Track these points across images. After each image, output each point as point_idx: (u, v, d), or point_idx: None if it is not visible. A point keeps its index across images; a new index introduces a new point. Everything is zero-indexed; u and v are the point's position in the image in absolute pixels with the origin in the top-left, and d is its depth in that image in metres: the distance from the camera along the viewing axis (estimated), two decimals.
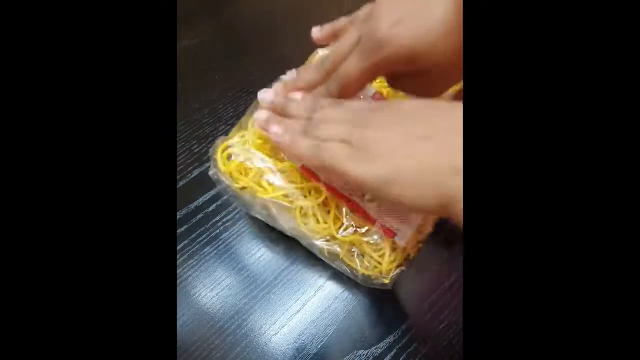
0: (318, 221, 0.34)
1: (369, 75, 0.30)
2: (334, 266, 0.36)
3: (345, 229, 0.33)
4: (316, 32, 0.36)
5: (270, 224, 0.38)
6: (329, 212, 0.34)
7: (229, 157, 0.36)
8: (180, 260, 0.39)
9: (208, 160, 0.45)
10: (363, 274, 0.33)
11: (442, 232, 0.37)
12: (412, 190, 0.24)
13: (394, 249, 0.33)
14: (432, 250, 0.39)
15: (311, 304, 0.37)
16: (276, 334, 0.35)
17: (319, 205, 0.34)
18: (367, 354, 0.34)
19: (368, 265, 0.34)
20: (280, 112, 0.31)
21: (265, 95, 0.32)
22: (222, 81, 0.51)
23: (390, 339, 0.35)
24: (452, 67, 0.28)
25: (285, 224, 0.35)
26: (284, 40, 0.57)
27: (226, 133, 0.47)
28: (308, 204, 0.34)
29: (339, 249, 0.33)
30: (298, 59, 0.47)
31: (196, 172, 0.44)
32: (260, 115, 0.31)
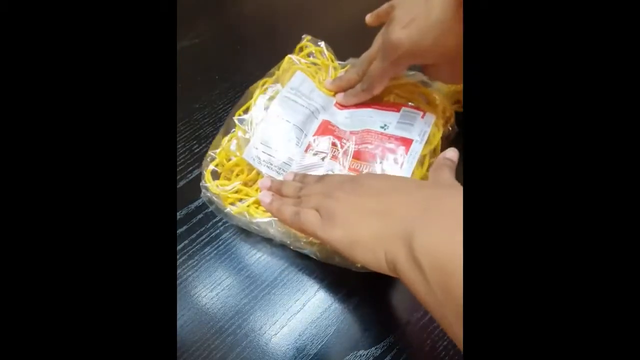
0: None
1: (390, 72, 0.38)
2: (333, 263, 0.36)
3: None
4: (368, 18, 0.43)
5: (266, 237, 0.39)
6: None
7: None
8: (180, 260, 0.39)
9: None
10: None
11: None
12: (369, 254, 0.28)
13: None
14: None
15: (311, 304, 0.37)
16: (276, 334, 0.35)
17: None
18: (367, 354, 0.34)
19: None
20: (277, 192, 0.37)
21: (263, 182, 0.38)
22: (222, 81, 0.51)
23: (390, 339, 0.35)
24: (455, 59, 0.35)
25: (278, 236, 0.37)
26: (284, 40, 0.57)
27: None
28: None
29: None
30: None
31: (196, 172, 0.44)
32: (264, 197, 0.37)
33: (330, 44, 0.48)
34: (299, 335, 0.35)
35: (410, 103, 0.43)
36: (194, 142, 0.46)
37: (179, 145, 0.45)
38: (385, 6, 0.41)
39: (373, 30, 0.43)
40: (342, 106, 0.44)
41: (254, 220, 0.38)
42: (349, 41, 0.48)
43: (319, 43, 0.48)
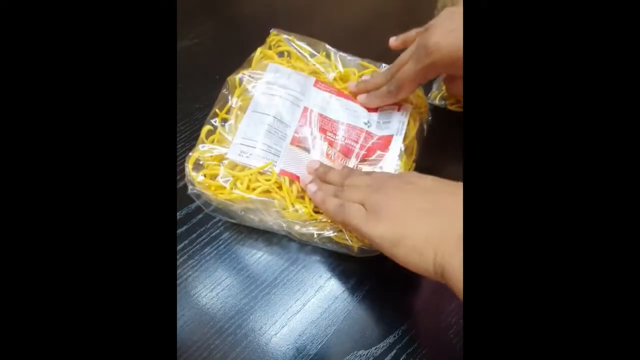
0: (297, 210, 0.37)
1: (420, 77, 0.37)
2: (328, 248, 0.37)
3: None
4: (392, 41, 0.43)
5: (261, 228, 0.39)
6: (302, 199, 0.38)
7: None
8: (180, 260, 0.39)
9: None
10: (358, 247, 0.36)
11: None
12: (414, 255, 0.26)
13: None
14: None
15: (311, 304, 0.37)
16: (276, 334, 0.35)
17: (295, 196, 0.37)
18: (367, 354, 0.34)
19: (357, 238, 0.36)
20: (322, 178, 0.37)
21: (312, 164, 0.39)
22: (222, 81, 0.51)
23: (390, 339, 0.35)
24: None
25: (272, 220, 0.37)
26: None
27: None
28: (284, 194, 0.37)
29: (329, 232, 0.36)
30: None
31: None
32: (306, 178, 0.37)
33: (331, 44, 0.48)
34: (299, 335, 0.35)
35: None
36: (194, 142, 0.46)
37: (179, 145, 0.45)
38: (413, 32, 0.41)
39: (374, 32, 0.43)
40: (322, 88, 0.43)
41: (247, 196, 0.36)
42: (349, 42, 0.47)
43: (285, 37, 0.46)
